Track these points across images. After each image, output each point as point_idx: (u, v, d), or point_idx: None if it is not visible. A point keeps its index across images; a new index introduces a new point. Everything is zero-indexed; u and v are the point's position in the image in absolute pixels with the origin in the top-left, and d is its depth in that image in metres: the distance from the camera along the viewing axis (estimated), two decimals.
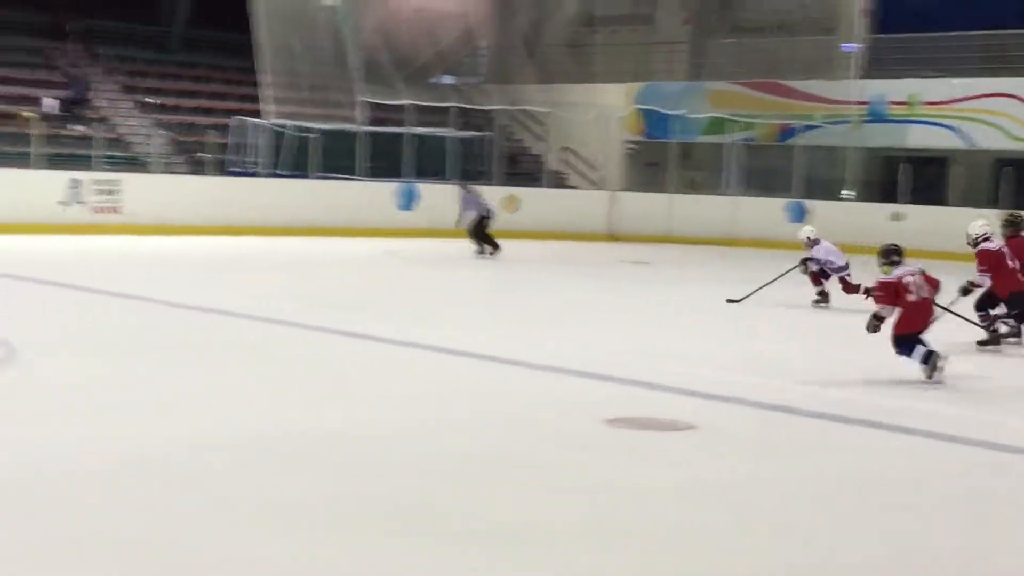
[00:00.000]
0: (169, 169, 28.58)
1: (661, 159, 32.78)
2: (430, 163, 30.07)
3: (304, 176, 28.65)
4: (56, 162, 26.06)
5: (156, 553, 5.20)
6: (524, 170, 32.84)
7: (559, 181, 33.05)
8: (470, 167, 30.87)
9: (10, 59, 30.86)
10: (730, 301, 15.66)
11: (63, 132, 27.84)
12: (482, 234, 23.44)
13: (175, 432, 7.37)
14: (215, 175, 28.39)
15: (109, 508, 5.79)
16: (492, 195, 29.94)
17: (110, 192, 25.73)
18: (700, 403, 9.02)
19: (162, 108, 30.49)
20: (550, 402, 8.94)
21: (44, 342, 10.72)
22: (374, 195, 28.37)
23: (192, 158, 29.04)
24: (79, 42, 32.64)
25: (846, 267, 16.00)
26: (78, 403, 8.19)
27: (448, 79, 33.51)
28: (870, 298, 10.97)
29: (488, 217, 23.61)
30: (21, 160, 25.88)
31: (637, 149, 33.62)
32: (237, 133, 29.37)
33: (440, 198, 27.08)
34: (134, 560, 5.11)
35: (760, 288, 15.87)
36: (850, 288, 15.72)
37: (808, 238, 16.28)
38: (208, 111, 31.02)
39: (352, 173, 28.95)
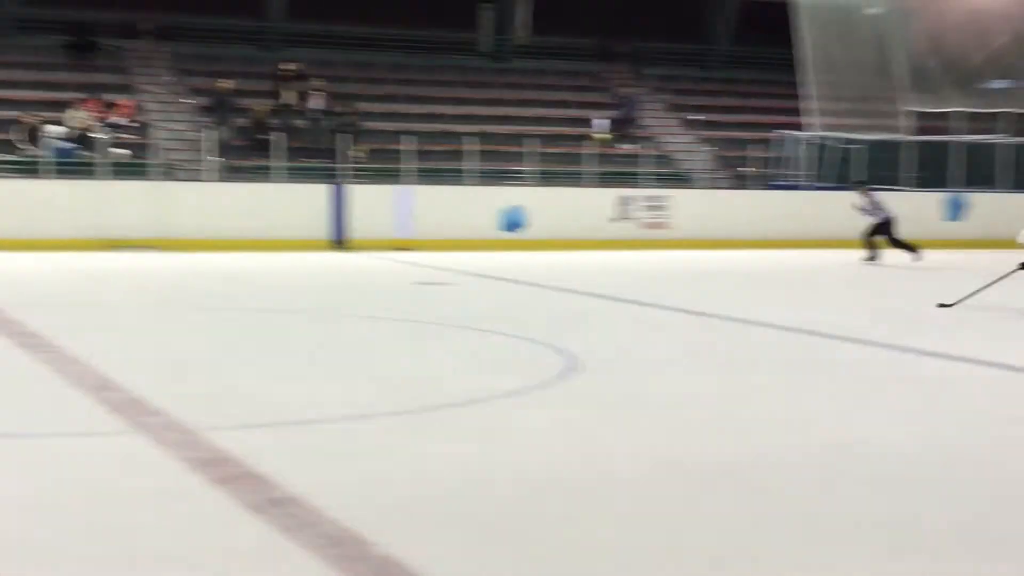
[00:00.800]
0: (713, 184, 29.16)
1: None
2: (979, 171, 28.98)
3: (847, 188, 28.38)
4: (605, 180, 27.20)
5: (733, 563, 5.30)
6: None
7: None
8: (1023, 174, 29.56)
9: (564, 83, 32.57)
10: (941, 305, 14.76)
11: (612, 151, 29.00)
12: (874, 240, 23.35)
13: (749, 447, 7.45)
14: (758, 189, 28.70)
15: (676, 518, 5.95)
16: None
17: (657, 208, 26.54)
18: None
19: (706, 124, 31.11)
20: None
21: (601, 353, 11.16)
22: (919, 206, 27.63)
23: (735, 173, 29.47)
24: (627, 63, 33.93)
25: None
26: (643, 414, 8.47)
27: (1000, 83, 32.11)
28: None
29: (889, 223, 23.24)
30: (572, 179, 27.21)
31: None
32: (779, 147, 29.53)
33: (991, 207, 26.09)
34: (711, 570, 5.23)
35: (977, 292, 14.83)
36: None
37: None
38: (751, 126, 31.33)
39: (896, 184, 28.35)
